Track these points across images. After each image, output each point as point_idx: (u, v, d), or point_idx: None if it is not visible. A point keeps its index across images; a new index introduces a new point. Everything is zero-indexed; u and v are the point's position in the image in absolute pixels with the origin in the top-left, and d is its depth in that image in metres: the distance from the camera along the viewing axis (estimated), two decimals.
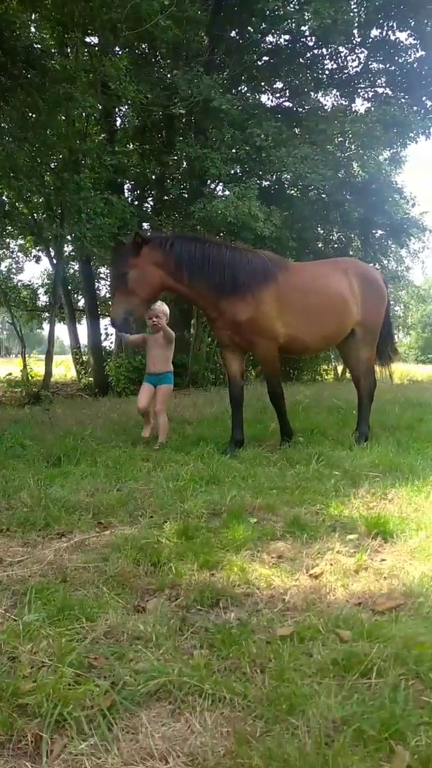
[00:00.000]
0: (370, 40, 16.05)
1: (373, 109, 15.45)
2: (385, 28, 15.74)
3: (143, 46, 14.80)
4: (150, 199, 17.18)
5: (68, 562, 2.95)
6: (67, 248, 15.81)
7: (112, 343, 16.64)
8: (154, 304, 5.98)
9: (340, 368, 20.21)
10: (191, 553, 2.99)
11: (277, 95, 18.40)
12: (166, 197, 16.18)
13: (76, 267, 18.67)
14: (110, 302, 5.90)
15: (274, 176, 16.49)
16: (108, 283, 19.26)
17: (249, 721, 1.76)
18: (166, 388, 6.27)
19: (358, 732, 1.69)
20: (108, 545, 3.16)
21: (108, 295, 19.10)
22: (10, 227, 15.25)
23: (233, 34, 15.81)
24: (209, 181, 15.31)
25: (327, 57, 16.95)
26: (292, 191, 17.47)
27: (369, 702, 1.82)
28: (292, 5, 14.03)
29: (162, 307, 6.13)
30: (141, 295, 5.54)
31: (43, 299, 20.63)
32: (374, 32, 15.92)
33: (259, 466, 4.97)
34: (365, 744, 1.66)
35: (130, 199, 15.83)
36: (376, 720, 1.72)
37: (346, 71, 17.16)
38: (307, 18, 13.56)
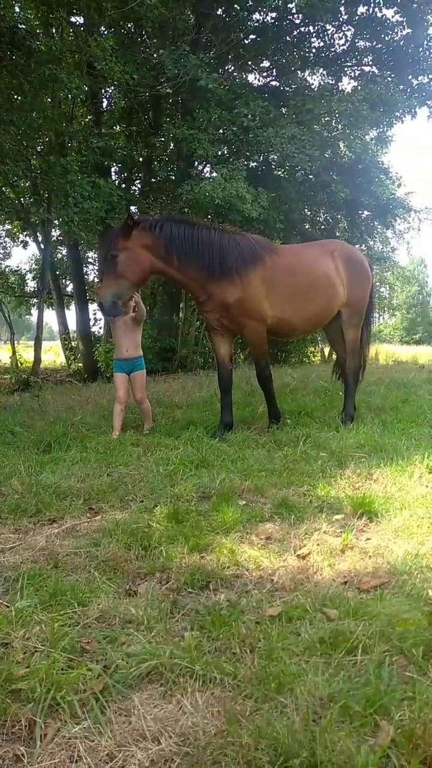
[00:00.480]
0: (357, 17, 15.85)
1: (359, 87, 15.33)
2: (372, 5, 15.54)
3: (129, 25, 14.57)
4: (137, 181, 17.04)
5: (60, 547, 2.98)
6: (55, 233, 15.69)
7: (101, 328, 16.58)
8: None
9: (326, 350, 20.27)
10: (181, 536, 3.03)
11: (264, 74, 18.24)
12: (153, 179, 16.06)
13: (64, 252, 18.54)
14: (97, 285, 5.82)
15: (261, 157, 16.37)
16: (96, 267, 19.15)
17: (239, 701, 1.81)
18: (142, 374, 6.15)
19: (345, 708, 1.73)
20: (99, 530, 3.20)
21: (96, 280, 19.00)
22: None
23: (220, 12, 15.58)
24: (197, 163, 15.20)
25: (314, 35, 16.76)
26: (279, 172, 17.35)
27: (355, 679, 1.87)
28: None
29: None
30: (131, 278, 5.50)
31: (31, 285, 20.48)
32: (361, 9, 15.71)
33: (248, 448, 5.01)
34: (351, 720, 1.70)
35: (117, 182, 15.69)
36: (362, 696, 1.77)
37: (332, 49, 16.98)
38: None
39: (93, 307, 17.23)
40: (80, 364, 16.14)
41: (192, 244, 5.53)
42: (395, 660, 1.97)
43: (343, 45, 16.91)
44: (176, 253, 5.52)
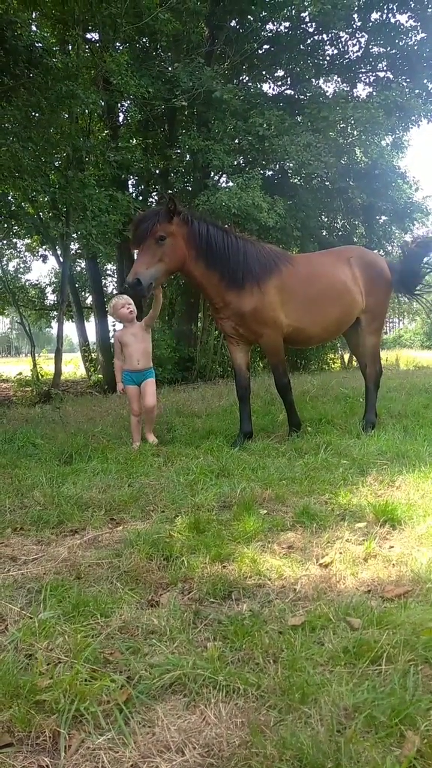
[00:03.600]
0: (371, 23, 15.88)
1: (374, 93, 15.32)
2: (385, 11, 15.56)
3: (143, 40, 14.74)
4: (154, 193, 17.16)
5: (82, 558, 2.99)
6: (73, 246, 15.85)
7: None
8: (122, 296, 5.80)
9: (346, 357, 20.22)
10: (203, 546, 3.02)
11: (279, 83, 18.29)
12: (170, 191, 16.15)
13: (83, 265, 18.73)
14: (136, 260, 5.48)
15: (278, 165, 16.42)
16: (115, 279, 19.25)
17: (263, 711, 1.80)
18: (152, 381, 5.98)
19: (369, 719, 1.72)
20: (121, 541, 3.21)
21: (115, 292, 19.15)
22: (16, 227, 15.30)
23: (233, 23, 15.68)
24: (213, 173, 15.27)
25: (327, 42, 16.80)
26: (296, 180, 17.39)
27: (379, 689, 1.84)
28: None
29: (128, 297, 5.87)
30: (168, 265, 5.34)
31: (51, 298, 20.73)
32: (374, 15, 15.74)
33: (269, 457, 5.00)
34: (376, 730, 1.69)
35: (134, 194, 15.82)
36: (387, 706, 1.74)
37: (347, 56, 17.00)
38: (306, 4, 13.46)
39: (112, 319, 17.32)
40: (100, 376, 16.25)
41: (222, 250, 5.49)
42: (420, 669, 1.94)
43: (357, 52, 16.94)
44: (205, 256, 5.46)
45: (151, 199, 16.79)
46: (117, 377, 6.02)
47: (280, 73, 17.99)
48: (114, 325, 16.78)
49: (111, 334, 16.74)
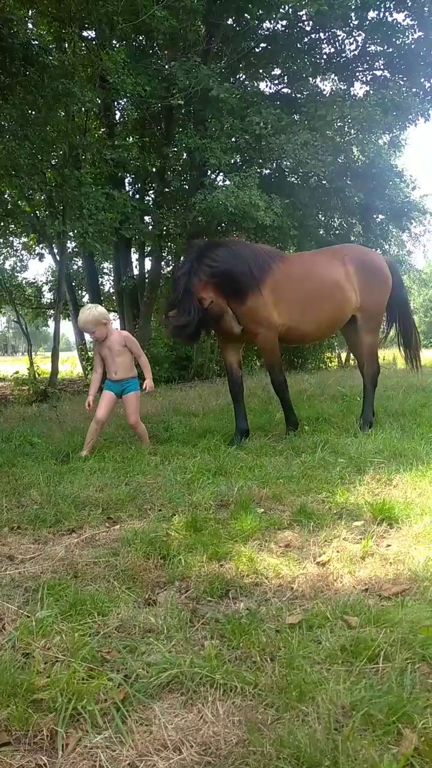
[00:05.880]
0: (368, 22, 15.84)
1: (371, 92, 15.31)
2: (383, 10, 15.52)
3: (140, 38, 14.72)
4: (151, 192, 17.13)
5: (79, 557, 2.99)
6: (70, 244, 15.83)
7: None
8: (85, 312, 5.63)
9: (343, 355, 20.25)
10: (200, 545, 3.02)
11: (276, 82, 18.27)
12: (167, 189, 16.13)
13: (80, 263, 18.71)
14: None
15: (274, 164, 16.41)
16: (112, 278, 19.21)
17: (260, 710, 1.79)
18: (133, 395, 5.60)
19: (367, 717, 1.71)
20: (118, 540, 3.20)
21: (111, 290, 19.14)
22: (13, 225, 15.27)
23: (230, 21, 15.65)
24: (209, 172, 15.25)
25: (324, 41, 16.78)
26: (293, 179, 17.38)
27: (377, 687, 1.84)
28: None
29: (94, 312, 5.54)
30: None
31: (47, 296, 20.68)
32: (371, 14, 15.69)
33: (266, 456, 5.00)
34: (374, 728, 1.68)
35: (131, 192, 15.80)
36: (384, 704, 1.74)
37: (344, 55, 16.98)
38: (304, 2, 13.44)
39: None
40: None
41: (224, 263, 5.61)
42: (418, 667, 1.94)
43: (354, 50, 16.92)
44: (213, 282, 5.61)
45: (147, 198, 16.77)
46: (90, 390, 5.69)
47: (277, 71, 17.98)
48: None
49: None
